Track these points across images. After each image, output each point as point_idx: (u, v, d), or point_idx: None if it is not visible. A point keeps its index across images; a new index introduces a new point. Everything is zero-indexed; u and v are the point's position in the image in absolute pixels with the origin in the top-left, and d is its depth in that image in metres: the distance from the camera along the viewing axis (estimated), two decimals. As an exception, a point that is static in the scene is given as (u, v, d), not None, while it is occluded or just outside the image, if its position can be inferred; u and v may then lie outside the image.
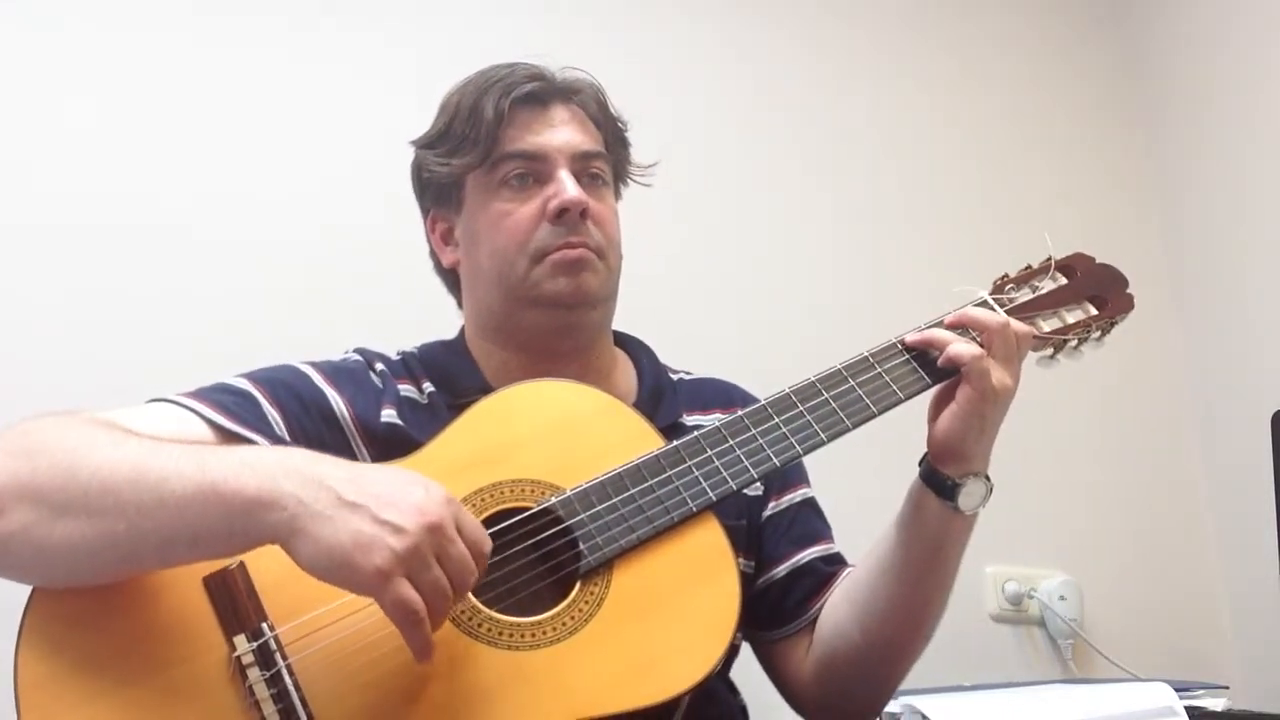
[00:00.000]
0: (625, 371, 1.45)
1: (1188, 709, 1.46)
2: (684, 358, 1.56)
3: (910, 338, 1.30)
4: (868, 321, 2.25)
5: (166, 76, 1.98)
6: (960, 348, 1.26)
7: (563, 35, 2.14)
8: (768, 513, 1.43)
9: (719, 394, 1.48)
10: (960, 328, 1.30)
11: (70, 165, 1.89)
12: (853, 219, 2.39)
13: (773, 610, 1.41)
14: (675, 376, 1.49)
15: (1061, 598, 2.25)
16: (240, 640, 1.06)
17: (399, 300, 1.95)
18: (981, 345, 1.26)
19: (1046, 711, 1.56)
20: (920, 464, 1.31)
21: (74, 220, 1.87)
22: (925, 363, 1.29)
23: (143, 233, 1.90)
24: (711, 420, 1.38)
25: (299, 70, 2.07)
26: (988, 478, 1.28)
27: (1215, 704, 1.58)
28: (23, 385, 1.70)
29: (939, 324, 1.31)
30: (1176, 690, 1.49)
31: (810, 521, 1.46)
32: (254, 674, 1.04)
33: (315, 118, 2.06)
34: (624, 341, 1.48)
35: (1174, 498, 2.47)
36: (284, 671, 1.05)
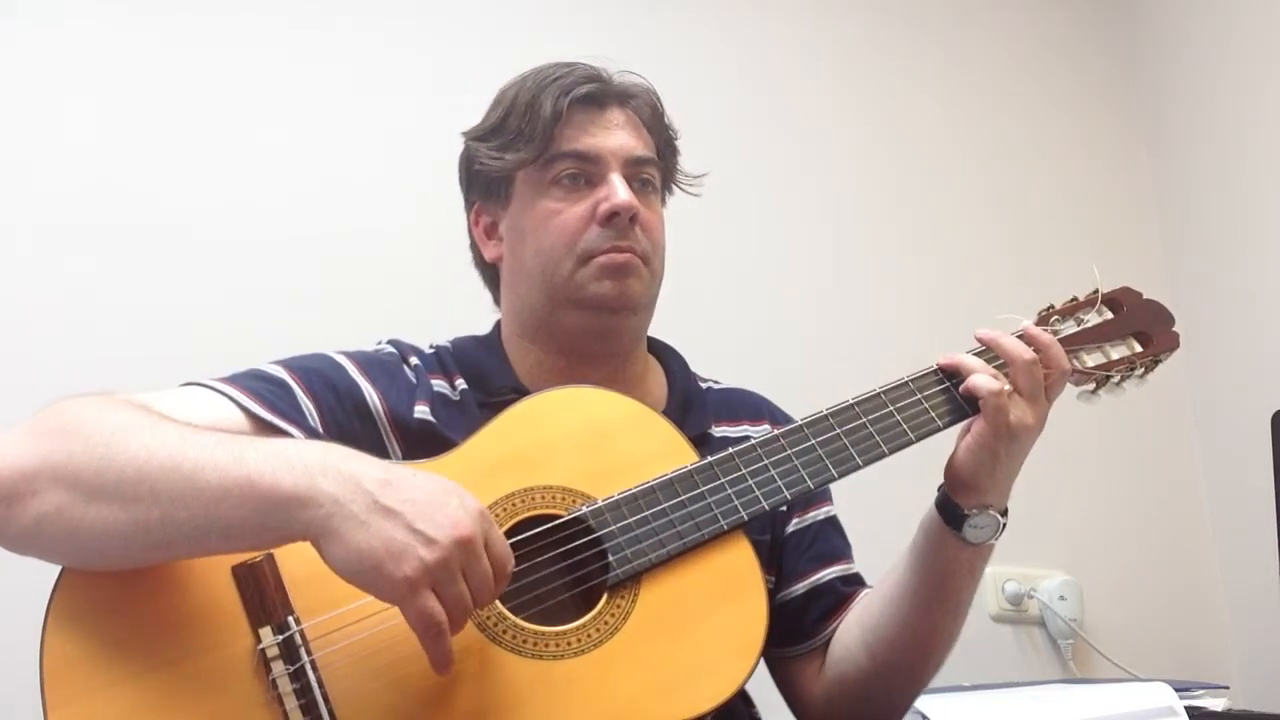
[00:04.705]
0: (657, 378, 1.44)
1: (1188, 709, 1.47)
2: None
3: (943, 360, 1.28)
4: (867, 321, 2.30)
5: (167, 76, 1.97)
6: (979, 380, 1.24)
7: (561, 34, 2.14)
8: (790, 529, 1.42)
9: (747, 405, 1.46)
10: (988, 352, 1.28)
11: (70, 165, 1.89)
12: (853, 219, 2.40)
13: (789, 627, 1.39)
14: (704, 385, 1.47)
15: (1061, 598, 2.25)
16: (266, 633, 1.05)
17: (400, 300, 1.95)
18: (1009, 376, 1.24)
19: (1046, 711, 1.57)
20: (939, 489, 1.29)
21: (74, 220, 1.86)
22: None
23: (143, 233, 1.89)
24: (739, 432, 1.39)
25: (299, 70, 2.06)
26: (1004, 512, 1.26)
27: (1215, 704, 1.59)
28: (23, 385, 1.69)
29: (977, 349, 1.29)
30: (1176, 690, 1.49)
31: (831, 540, 1.44)
32: (278, 667, 1.04)
33: (315, 117, 2.05)
34: (656, 348, 1.47)
35: (1174, 498, 2.48)
36: (308, 666, 1.04)
